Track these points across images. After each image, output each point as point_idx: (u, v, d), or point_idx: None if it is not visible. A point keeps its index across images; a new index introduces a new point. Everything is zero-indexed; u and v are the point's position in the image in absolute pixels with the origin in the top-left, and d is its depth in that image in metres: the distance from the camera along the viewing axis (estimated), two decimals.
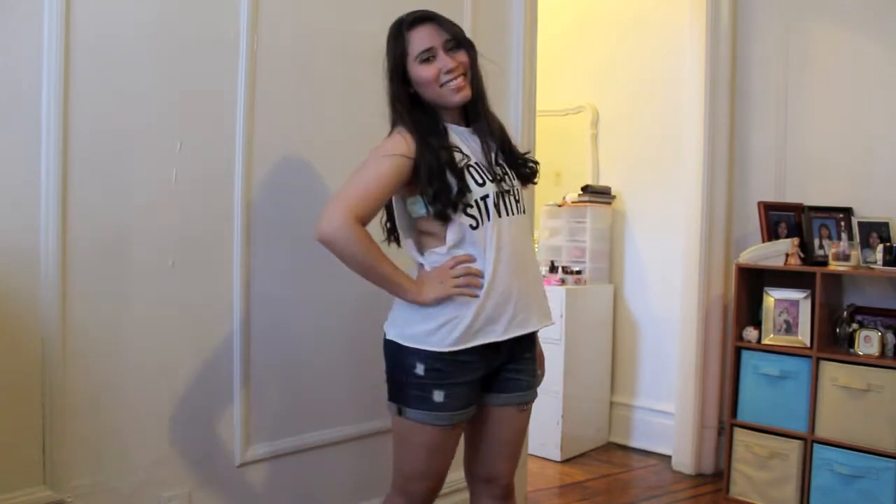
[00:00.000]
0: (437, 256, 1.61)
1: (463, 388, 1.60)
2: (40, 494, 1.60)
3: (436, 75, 1.57)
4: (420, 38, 1.58)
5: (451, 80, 1.57)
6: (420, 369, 1.58)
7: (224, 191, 1.91)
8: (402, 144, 1.56)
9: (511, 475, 1.75)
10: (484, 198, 1.57)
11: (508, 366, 1.68)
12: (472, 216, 1.57)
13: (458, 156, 1.58)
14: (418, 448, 1.63)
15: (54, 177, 1.60)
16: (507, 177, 1.63)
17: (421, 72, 1.58)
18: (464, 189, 1.55)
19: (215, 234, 1.90)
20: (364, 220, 1.54)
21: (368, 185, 1.54)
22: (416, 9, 1.65)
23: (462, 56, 1.59)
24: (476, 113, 1.65)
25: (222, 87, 1.89)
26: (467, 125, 1.67)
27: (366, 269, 1.56)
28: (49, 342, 1.61)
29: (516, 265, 1.60)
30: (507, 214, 1.60)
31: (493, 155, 1.63)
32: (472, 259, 1.59)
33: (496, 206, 1.58)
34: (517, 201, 1.63)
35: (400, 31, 1.61)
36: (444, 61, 1.56)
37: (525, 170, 1.70)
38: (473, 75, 1.62)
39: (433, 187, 1.53)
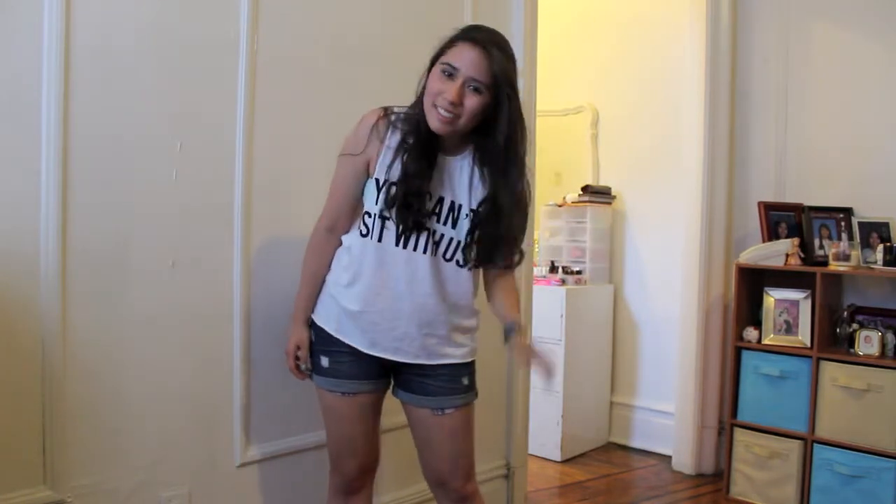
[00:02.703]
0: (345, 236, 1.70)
1: (349, 360, 1.68)
2: (40, 494, 1.60)
3: (436, 91, 1.51)
4: (458, 54, 1.50)
5: (443, 109, 1.50)
6: (313, 335, 1.74)
7: (224, 191, 1.91)
8: (357, 139, 1.64)
9: (461, 479, 1.71)
10: (384, 218, 1.59)
11: (410, 367, 1.68)
12: (366, 224, 1.64)
13: (398, 170, 1.58)
14: (325, 415, 1.75)
15: (54, 178, 1.60)
16: (436, 218, 1.59)
17: (433, 79, 1.53)
18: (419, 218, 1.58)
19: (215, 234, 1.90)
20: (334, 225, 1.71)
21: (333, 192, 1.71)
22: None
23: (473, 101, 1.50)
24: (485, 156, 1.58)
25: (222, 87, 1.89)
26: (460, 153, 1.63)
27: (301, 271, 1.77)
28: (49, 342, 1.61)
29: (398, 299, 1.60)
30: (413, 250, 1.59)
31: (445, 195, 1.60)
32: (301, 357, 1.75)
33: (399, 235, 1.59)
34: (436, 244, 1.60)
35: (459, 36, 1.53)
36: (452, 91, 1.49)
37: (493, 253, 1.61)
38: (497, 121, 1.53)
39: (402, 199, 1.57)
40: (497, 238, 1.61)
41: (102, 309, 1.70)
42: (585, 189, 3.70)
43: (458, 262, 1.63)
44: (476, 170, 1.61)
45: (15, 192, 1.56)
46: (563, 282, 3.52)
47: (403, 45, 2.27)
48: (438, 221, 1.61)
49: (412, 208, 1.57)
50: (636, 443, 3.73)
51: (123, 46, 1.70)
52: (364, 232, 1.64)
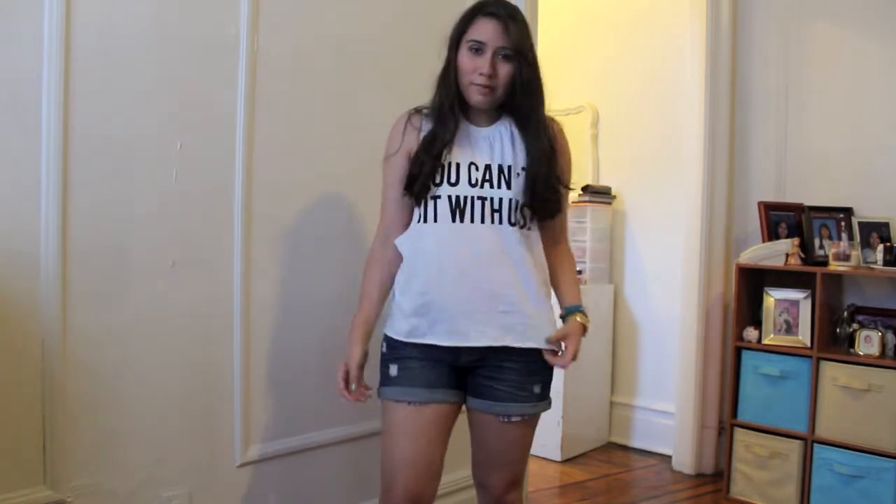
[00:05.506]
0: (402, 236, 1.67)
1: (420, 366, 1.60)
2: (40, 494, 1.60)
3: (471, 69, 1.56)
4: (480, 29, 1.56)
5: (480, 83, 1.56)
6: (384, 346, 1.67)
7: (224, 191, 1.91)
8: (392, 140, 1.67)
9: (505, 487, 1.67)
10: (434, 198, 1.58)
11: (482, 370, 1.62)
12: (420, 212, 1.62)
13: (443, 152, 1.60)
14: (386, 428, 1.64)
15: (54, 177, 1.60)
16: (489, 184, 1.58)
17: (463, 58, 1.57)
18: (426, 183, 1.59)
19: (215, 234, 1.90)
20: (387, 236, 1.68)
21: (384, 202, 1.70)
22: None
23: (506, 68, 1.56)
24: (520, 117, 1.62)
25: (223, 87, 1.89)
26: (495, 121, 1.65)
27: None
28: (49, 342, 1.61)
29: (466, 276, 1.56)
30: (472, 221, 1.56)
31: (492, 161, 1.60)
32: (347, 380, 1.64)
33: (454, 209, 1.57)
34: (495, 211, 1.57)
35: (473, 12, 1.58)
36: (483, 64, 1.54)
37: (539, 202, 1.60)
38: (522, 87, 1.58)
39: (411, 169, 1.61)
40: (545, 195, 1.61)
41: (102, 309, 1.70)
42: (585, 189, 3.70)
43: (520, 223, 1.59)
44: (515, 133, 1.63)
45: (15, 192, 1.56)
46: None
47: (404, 45, 2.27)
48: (492, 187, 1.58)
49: (423, 170, 1.58)
50: (636, 443, 3.73)
51: (123, 46, 1.70)
52: (418, 219, 1.62)
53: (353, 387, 1.65)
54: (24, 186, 1.57)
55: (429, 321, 1.58)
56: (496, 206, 1.57)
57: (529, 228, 1.62)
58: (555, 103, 3.80)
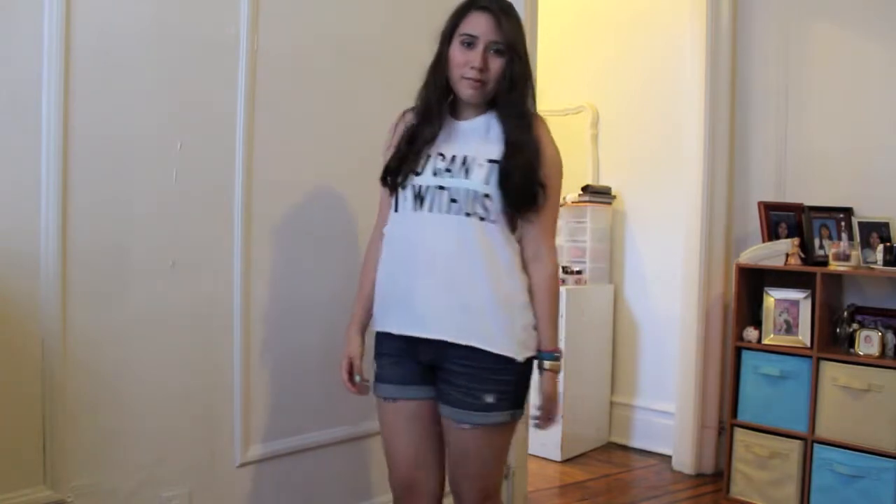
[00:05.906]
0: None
1: (390, 362, 1.64)
2: (40, 494, 1.60)
3: (462, 63, 1.56)
4: (473, 23, 1.56)
5: (471, 77, 1.55)
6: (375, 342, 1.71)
7: (224, 191, 1.91)
8: (386, 141, 1.69)
9: (474, 498, 1.62)
10: (402, 187, 1.60)
11: (441, 373, 1.59)
12: (395, 200, 1.63)
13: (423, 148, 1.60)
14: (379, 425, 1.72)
15: (54, 177, 1.60)
16: (449, 174, 1.55)
17: (455, 52, 1.57)
18: (400, 175, 1.60)
19: (215, 234, 1.90)
20: (384, 221, 1.69)
21: (381, 196, 1.72)
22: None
23: (498, 63, 1.55)
24: (505, 111, 1.59)
25: (222, 87, 1.89)
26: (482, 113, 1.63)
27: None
28: (49, 342, 1.61)
29: (418, 265, 1.56)
30: (430, 211, 1.56)
31: (458, 152, 1.57)
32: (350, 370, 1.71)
33: (416, 197, 1.57)
34: (453, 201, 1.54)
35: (467, 6, 1.59)
36: (475, 57, 1.54)
37: (514, 191, 1.55)
38: (510, 82, 1.56)
39: (389, 163, 1.64)
40: (520, 184, 1.55)
41: (102, 309, 1.70)
42: (585, 189, 3.70)
43: (480, 215, 1.55)
44: (493, 125, 1.60)
45: (15, 192, 1.56)
46: (564, 282, 3.52)
47: (404, 45, 2.27)
48: (453, 177, 1.55)
49: (400, 164, 1.59)
50: (636, 443, 3.73)
51: (123, 46, 1.70)
52: (393, 209, 1.63)
53: (358, 377, 1.68)
54: (24, 186, 1.57)
55: (385, 309, 1.63)
56: (454, 196, 1.55)
57: (494, 221, 1.56)
58: (555, 103, 3.85)
